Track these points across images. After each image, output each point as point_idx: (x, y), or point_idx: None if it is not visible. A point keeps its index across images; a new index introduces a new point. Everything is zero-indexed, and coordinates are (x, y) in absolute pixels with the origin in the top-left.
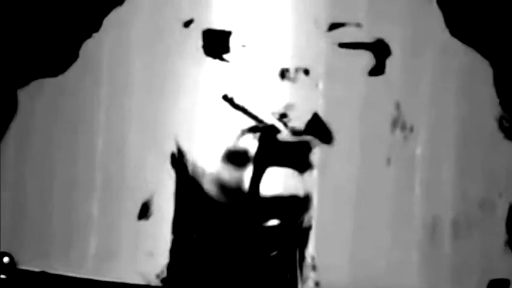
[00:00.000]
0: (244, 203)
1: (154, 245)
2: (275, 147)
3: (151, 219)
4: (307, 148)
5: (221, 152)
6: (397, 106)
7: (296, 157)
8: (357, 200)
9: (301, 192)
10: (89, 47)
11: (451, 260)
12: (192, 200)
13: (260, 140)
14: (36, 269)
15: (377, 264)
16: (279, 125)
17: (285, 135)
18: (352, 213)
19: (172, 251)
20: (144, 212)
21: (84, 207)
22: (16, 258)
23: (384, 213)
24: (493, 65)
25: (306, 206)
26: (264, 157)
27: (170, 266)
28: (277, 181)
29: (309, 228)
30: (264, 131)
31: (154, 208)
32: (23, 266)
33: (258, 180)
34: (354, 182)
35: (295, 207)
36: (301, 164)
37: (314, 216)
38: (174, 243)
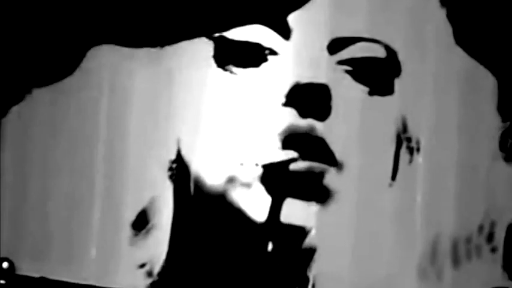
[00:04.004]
0: (258, 229)
1: (150, 253)
2: (291, 177)
3: (147, 227)
4: (319, 175)
5: (229, 169)
6: (404, 125)
7: (311, 185)
8: (358, 222)
9: (309, 218)
10: (90, 56)
11: (450, 282)
12: (194, 216)
13: (278, 168)
14: (36, 275)
15: (377, 285)
16: (294, 154)
17: (299, 164)
18: (353, 234)
19: (167, 261)
20: (141, 220)
21: (84, 214)
22: (16, 263)
23: (385, 235)
24: (497, 78)
25: (309, 230)
26: (283, 185)
27: (164, 275)
28: (288, 209)
29: (312, 249)
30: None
31: (151, 217)
32: (22, 272)
33: (279, 209)
34: (356, 204)
35: (301, 232)
36: (315, 192)
37: (317, 237)
38: (169, 253)
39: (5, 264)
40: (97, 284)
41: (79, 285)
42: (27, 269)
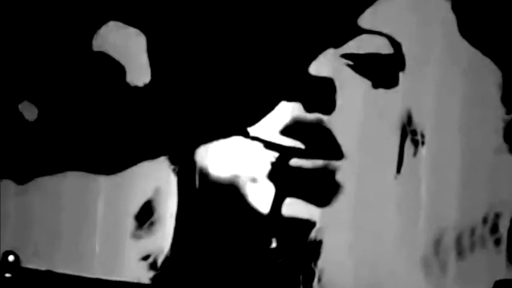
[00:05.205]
0: (262, 222)
1: (154, 245)
2: (297, 173)
3: (151, 220)
4: (330, 172)
5: (236, 163)
6: (409, 118)
7: (320, 181)
8: (363, 214)
9: (314, 211)
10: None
11: (454, 274)
12: (199, 208)
13: (281, 164)
14: (42, 268)
15: (381, 277)
16: (300, 145)
17: (304, 161)
18: (359, 227)
19: (171, 253)
20: (145, 212)
21: (89, 207)
22: (21, 256)
23: (390, 227)
24: (502, 70)
25: (314, 223)
26: (286, 181)
27: (167, 267)
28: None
29: (318, 242)
30: (285, 155)
31: (155, 209)
32: (28, 265)
33: (280, 203)
34: (362, 197)
35: (305, 225)
36: (325, 188)
37: (322, 230)
38: (173, 245)
39: (10, 258)
40: (102, 277)
41: (84, 278)
42: (33, 262)
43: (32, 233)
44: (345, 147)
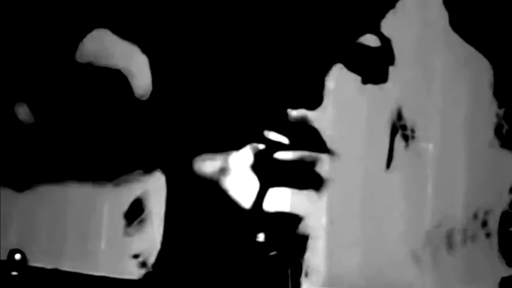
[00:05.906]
0: (245, 217)
1: (144, 243)
2: (281, 165)
3: (140, 218)
4: (312, 163)
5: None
6: (399, 112)
7: (303, 173)
8: (354, 209)
9: (304, 206)
10: None
11: (454, 268)
12: (187, 207)
13: (265, 156)
14: (48, 266)
15: (384, 268)
16: (284, 140)
17: (289, 153)
18: (351, 222)
19: (161, 251)
20: (135, 210)
21: (95, 206)
22: (28, 255)
23: (382, 223)
24: (493, 65)
25: (302, 218)
26: (270, 173)
27: (158, 266)
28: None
29: (305, 237)
30: (270, 148)
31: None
32: (34, 263)
33: (263, 196)
34: (352, 193)
35: (292, 219)
36: (309, 180)
37: (311, 225)
38: (164, 244)
39: (17, 256)
40: (108, 274)
41: (90, 276)
42: (39, 260)
43: (38, 232)
44: (335, 143)
